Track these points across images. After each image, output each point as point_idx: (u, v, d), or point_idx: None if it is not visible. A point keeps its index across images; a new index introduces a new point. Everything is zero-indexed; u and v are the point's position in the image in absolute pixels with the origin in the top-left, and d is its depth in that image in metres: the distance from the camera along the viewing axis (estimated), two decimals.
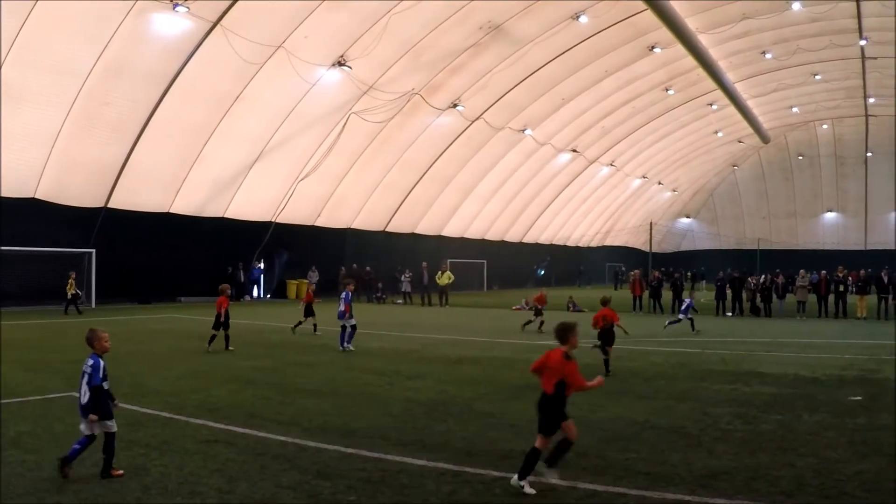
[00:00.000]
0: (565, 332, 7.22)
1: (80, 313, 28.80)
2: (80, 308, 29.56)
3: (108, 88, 29.15)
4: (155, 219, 34.73)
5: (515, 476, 6.98)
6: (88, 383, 7.20)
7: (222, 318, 17.49)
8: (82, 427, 7.22)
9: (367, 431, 9.37)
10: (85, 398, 7.19)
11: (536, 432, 7.06)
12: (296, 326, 22.35)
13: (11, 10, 24.58)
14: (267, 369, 14.84)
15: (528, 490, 6.90)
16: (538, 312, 23.80)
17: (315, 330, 21.95)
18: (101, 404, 7.20)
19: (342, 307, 18.45)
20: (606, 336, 14.69)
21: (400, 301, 40.07)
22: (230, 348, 17.47)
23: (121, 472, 7.19)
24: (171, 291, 36.16)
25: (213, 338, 17.51)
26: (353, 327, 18.39)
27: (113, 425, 7.26)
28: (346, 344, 18.12)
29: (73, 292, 29.55)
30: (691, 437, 9.27)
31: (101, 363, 7.31)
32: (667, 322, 24.74)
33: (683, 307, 24.74)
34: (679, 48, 42.66)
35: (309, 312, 22.17)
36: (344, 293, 18.91)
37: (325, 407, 10.96)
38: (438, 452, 8.38)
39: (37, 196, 30.43)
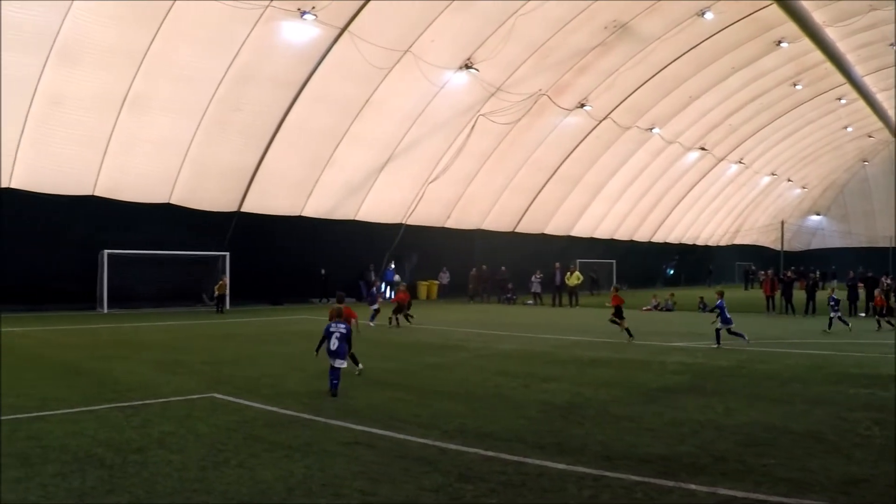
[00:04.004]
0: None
1: (221, 313, 30.30)
2: (221, 309, 30.97)
3: (239, 95, 30.12)
4: (287, 222, 35.65)
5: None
6: (339, 339, 11.75)
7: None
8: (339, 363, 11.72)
9: (505, 434, 9.30)
10: (335, 346, 11.69)
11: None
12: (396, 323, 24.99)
13: (143, 22, 25.61)
14: (398, 371, 14.92)
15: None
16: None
17: (398, 322, 24.97)
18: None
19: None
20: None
21: (530, 301, 39.84)
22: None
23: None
24: (303, 293, 36.91)
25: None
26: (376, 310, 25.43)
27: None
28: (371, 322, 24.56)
29: (221, 293, 31.17)
30: (829, 443, 9.01)
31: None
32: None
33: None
34: (806, 42, 40.97)
35: (399, 310, 25.14)
36: (375, 288, 26.58)
37: (462, 409, 10.92)
38: (577, 456, 8.32)
39: (171, 201, 31.67)
